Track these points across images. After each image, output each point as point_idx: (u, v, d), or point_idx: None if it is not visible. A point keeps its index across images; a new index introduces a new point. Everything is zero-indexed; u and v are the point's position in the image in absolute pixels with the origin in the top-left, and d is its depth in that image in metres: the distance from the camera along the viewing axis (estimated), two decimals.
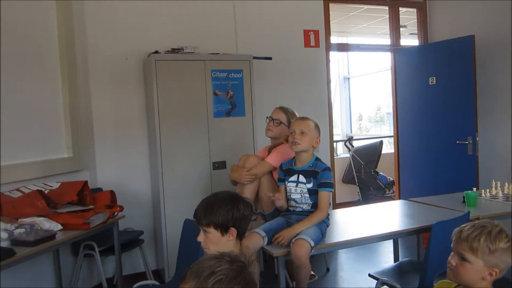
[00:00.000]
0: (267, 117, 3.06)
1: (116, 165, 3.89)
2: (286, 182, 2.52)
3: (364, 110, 10.27)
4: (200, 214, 1.71)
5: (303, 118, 2.57)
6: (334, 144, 5.34)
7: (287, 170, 2.53)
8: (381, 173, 6.77)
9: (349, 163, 6.84)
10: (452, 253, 1.58)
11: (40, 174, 3.09)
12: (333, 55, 4.95)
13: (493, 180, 3.34)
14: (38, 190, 2.77)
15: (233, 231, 1.69)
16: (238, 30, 4.27)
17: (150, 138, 3.90)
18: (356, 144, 7.29)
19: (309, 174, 2.44)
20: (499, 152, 4.47)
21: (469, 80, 4.43)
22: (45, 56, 3.32)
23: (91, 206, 2.93)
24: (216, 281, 1.07)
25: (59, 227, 2.65)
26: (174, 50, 3.72)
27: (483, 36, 4.47)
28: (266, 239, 2.33)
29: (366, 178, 6.69)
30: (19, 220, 2.60)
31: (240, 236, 1.75)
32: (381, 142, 6.90)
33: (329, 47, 4.75)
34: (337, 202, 5.05)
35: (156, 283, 2.76)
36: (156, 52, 3.67)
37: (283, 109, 3.02)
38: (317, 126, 2.54)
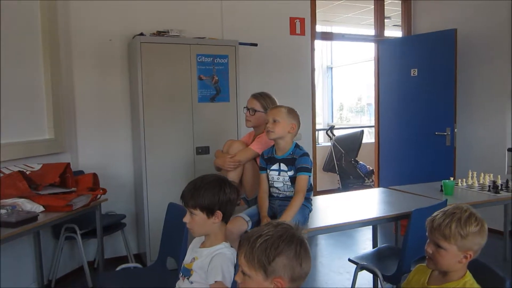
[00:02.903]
0: (244, 107, 3.00)
1: (98, 148, 3.86)
2: (268, 171, 2.53)
3: (346, 100, 10.37)
4: (187, 196, 1.73)
5: (276, 107, 2.58)
6: (316, 132, 5.38)
7: (268, 159, 2.54)
8: (361, 162, 6.89)
9: (330, 151, 6.93)
10: (428, 241, 1.64)
11: (21, 155, 3.04)
12: (317, 44, 4.96)
13: (470, 171, 3.44)
14: (19, 171, 2.74)
15: (218, 214, 1.72)
16: (225, 15, 4.25)
17: (133, 121, 3.88)
18: (337, 133, 7.37)
19: (290, 162, 2.46)
20: (476, 143, 4.60)
21: (449, 72, 4.52)
22: (27, 36, 3.24)
23: (73, 189, 2.91)
24: (263, 241, 1.23)
25: (41, 208, 2.63)
26: (159, 33, 3.69)
27: (465, 30, 4.57)
28: (250, 224, 2.36)
29: (347, 166, 6.80)
30: (0, 201, 2.57)
31: (225, 219, 1.78)
32: (362, 132, 7.01)
33: (314, 35, 4.77)
34: (317, 190, 5.13)
35: (139, 265, 2.77)
36: (141, 34, 3.64)
37: (255, 97, 2.94)
38: (291, 112, 2.49)
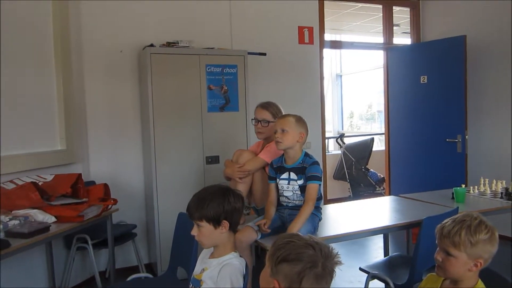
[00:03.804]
0: (252, 119, 2.96)
1: (109, 158, 3.90)
2: (278, 180, 2.53)
3: (356, 107, 10.33)
4: (192, 208, 1.73)
5: (284, 116, 2.54)
6: (326, 140, 5.38)
7: (278, 168, 2.54)
8: (371, 170, 6.84)
9: (340, 159, 6.90)
10: (438, 249, 1.63)
11: (33, 166, 3.09)
12: (326, 52, 4.97)
13: (482, 178, 3.40)
14: (32, 182, 2.77)
15: (225, 223, 1.72)
16: (233, 25, 4.29)
17: (143, 132, 3.91)
18: (348, 141, 7.35)
19: (300, 170, 2.46)
20: (488, 150, 4.55)
21: (459, 79, 4.49)
22: (39, 48, 3.30)
23: (84, 199, 2.93)
24: (286, 242, 1.25)
25: (53, 219, 2.66)
26: (169, 44, 3.73)
27: (475, 37, 4.54)
28: (259, 233, 2.36)
29: (357, 174, 6.76)
30: (12, 212, 2.60)
31: (232, 229, 1.78)
32: (372, 139, 6.97)
33: (323, 44, 4.79)
34: (328, 198, 5.11)
35: (150, 275, 2.78)
36: (151, 45, 3.68)
37: (265, 107, 2.90)
38: (299, 121, 2.48)
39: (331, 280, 1.24)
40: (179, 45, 3.74)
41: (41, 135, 3.28)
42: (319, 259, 1.21)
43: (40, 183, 2.86)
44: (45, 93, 3.33)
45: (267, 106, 2.92)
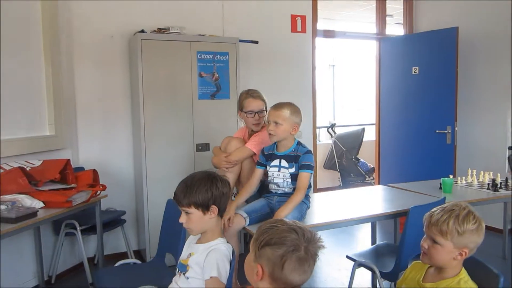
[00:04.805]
0: (245, 112, 2.84)
1: (98, 144, 3.87)
2: (268, 167, 2.53)
3: (348, 97, 10.36)
4: (180, 195, 1.73)
5: (278, 107, 2.45)
6: (317, 130, 5.38)
7: (269, 155, 2.54)
8: (362, 160, 6.88)
9: (331, 149, 6.93)
10: (424, 236, 1.65)
11: (21, 152, 3.06)
12: (320, 42, 4.96)
13: (469, 169, 3.44)
14: (19, 167, 2.76)
15: (214, 208, 1.73)
16: (225, 12, 4.25)
17: (133, 118, 3.89)
18: (339, 131, 7.37)
19: (291, 158, 2.46)
20: (477, 142, 4.59)
21: (451, 71, 4.51)
22: (28, 32, 3.25)
23: (73, 185, 2.92)
24: (269, 227, 1.27)
25: (41, 204, 2.65)
26: (160, 30, 3.69)
27: (467, 29, 4.55)
28: (248, 220, 2.38)
29: (347, 164, 6.80)
30: (0, 197, 2.58)
31: (221, 214, 1.79)
32: (363, 130, 7.00)
33: (315, 33, 4.77)
34: (318, 187, 5.13)
35: (138, 261, 2.78)
36: (142, 31, 3.64)
37: (257, 97, 2.82)
38: (294, 112, 2.43)
39: (314, 263, 1.25)
40: (170, 31, 3.71)
41: (29, 120, 3.25)
42: (302, 243, 1.23)
43: (28, 168, 2.84)
44: (34, 79, 3.29)
45: (258, 95, 2.89)
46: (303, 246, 1.23)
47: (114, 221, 3.65)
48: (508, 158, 1.14)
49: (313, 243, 1.25)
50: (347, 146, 6.84)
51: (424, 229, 1.65)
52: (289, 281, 1.22)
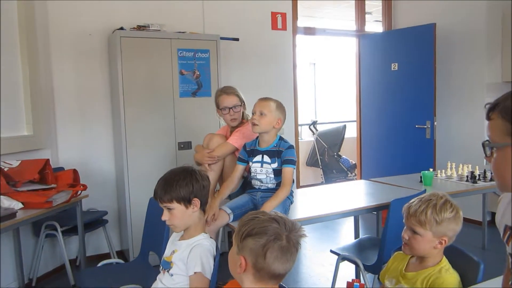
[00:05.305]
0: (220, 108, 2.88)
1: (78, 144, 3.82)
2: (251, 163, 2.53)
3: (329, 95, 10.42)
4: (161, 192, 1.72)
5: (265, 99, 2.50)
6: (299, 127, 5.41)
7: (251, 151, 2.54)
8: (344, 156, 6.94)
9: (313, 146, 6.97)
10: (405, 227, 1.67)
11: None
12: (300, 40, 4.98)
13: (449, 162, 3.49)
14: None
15: (196, 201, 1.72)
16: (206, 9, 4.23)
17: (114, 117, 3.84)
18: (320, 128, 7.42)
19: (274, 154, 2.46)
20: (455, 135, 4.68)
21: (429, 66, 4.58)
22: (3, 31, 3.17)
23: (53, 185, 2.88)
24: (250, 219, 1.27)
25: (20, 205, 2.59)
26: (139, 27, 3.66)
27: (444, 25, 4.63)
28: (232, 216, 2.37)
29: (330, 161, 6.85)
30: None
31: (202, 207, 1.78)
32: (345, 126, 7.07)
33: (296, 30, 4.79)
34: (301, 184, 5.15)
35: (121, 261, 2.75)
36: (121, 28, 3.60)
37: (230, 93, 2.85)
38: (280, 107, 2.48)
39: (296, 252, 1.26)
40: (150, 28, 3.67)
41: (6, 120, 3.17)
42: (283, 232, 1.24)
43: (5, 169, 2.78)
44: (10, 78, 3.21)
45: (232, 91, 2.90)
46: (285, 235, 1.23)
47: (95, 221, 3.59)
48: (482, 144, 1.16)
49: (294, 231, 1.26)
50: (329, 143, 6.89)
51: (403, 220, 1.68)
52: (272, 270, 1.23)
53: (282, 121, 2.49)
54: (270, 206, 2.29)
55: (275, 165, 2.46)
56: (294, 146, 2.63)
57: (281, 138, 2.51)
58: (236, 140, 2.74)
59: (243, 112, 2.94)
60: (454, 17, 4.62)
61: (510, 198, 1.24)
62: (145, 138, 3.61)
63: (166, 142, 3.70)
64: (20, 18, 3.28)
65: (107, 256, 3.78)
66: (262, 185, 2.52)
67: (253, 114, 2.46)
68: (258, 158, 2.50)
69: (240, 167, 2.55)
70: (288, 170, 2.41)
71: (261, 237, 1.22)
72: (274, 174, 2.47)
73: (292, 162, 2.42)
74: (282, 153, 2.43)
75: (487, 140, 1.08)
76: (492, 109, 1.05)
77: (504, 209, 1.27)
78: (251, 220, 1.27)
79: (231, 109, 2.85)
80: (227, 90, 2.90)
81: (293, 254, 1.25)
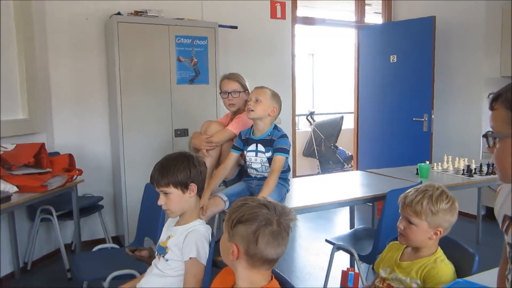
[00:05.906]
0: (220, 92, 2.91)
1: (74, 129, 3.80)
2: (245, 152, 2.52)
3: (327, 85, 10.40)
4: (158, 176, 1.71)
5: (261, 87, 2.51)
6: (296, 118, 5.39)
7: (245, 140, 2.53)
8: (340, 147, 6.95)
9: (310, 137, 6.97)
10: (400, 217, 1.67)
11: None
12: (299, 30, 4.95)
13: (445, 155, 3.50)
14: None
15: (193, 186, 1.71)
16: None
17: (110, 103, 3.82)
18: (318, 118, 7.42)
19: (267, 143, 2.45)
20: (452, 129, 4.68)
21: (427, 59, 4.57)
22: None
23: (48, 169, 2.86)
24: (240, 205, 1.26)
25: (15, 189, 2.59)
26: (137, 13, 3.62)
27: (444, 18, 4.61)
28: (227, 203, 2.37)
29: (326, 152, 6.86)
30: None
31: (199, 193, 1.77)
32: (342, 118, 7.06)
33: (295, 19, 4.75)
34: (297, 174, 5.16)
35: (116, 246, 2.75)
36: (119, 13, 3.56)
37: (231, 78, 2.86)
38: (275, 96, 2.48)
39: (288, 236, 1.26)
40: (148, 14, 3.64)
41: (2, 104, 3.14)
42: (273, 216, 1.23)
43: (0, 152, 2.76)
44: (6, 61, 3.17)
45: (233, 76, 2.88)
46: (275, 220, 1.23)
47: (91, 206, 3.59)
48: (484, 135, 1.16)
49: (285, 215, 1.25)
50: (326, 134, 6.89)
51: (399, 210, 1.68)
52: (265, 255, 1.23)
53: (277, 110, 2.48)
54: (264, 195, 2.28)
55: (269, 154, 2.45)
56: (290, 137, 2.62)
57: (275, 127, 2.50)
58: (235, 127, 2.73)
59: (246, 100, 2.92)
60: (454, 10, 4.60)
61: (510, 189, 1.23)
62: (141, 124, 3.60)
63: (163, 129, 3.68)
64: (16, 2, 3.23)
65: (102, 241, 3.78)
66: (258, 174, 2.52)
67: (248, 101, 2.46)
68: (252, 147, 2.49)
69: (234, 155, 2.54)
70: (278, 158, 2.39)
71: (252, 223, 1.22)
72: (269, 163, 2.46)
73: (284, 151, 2.40)
74: (274, 142, 2.42)
75: (489, 131, 1.08)
76: (496, 99, 1.05)
77: (503, 199, 1.27)
78: (241, 206, 1.26)
79: (230, 94, 2.84)
80: (230, 76, 2.89)
81: (284, 238, 1.25)
